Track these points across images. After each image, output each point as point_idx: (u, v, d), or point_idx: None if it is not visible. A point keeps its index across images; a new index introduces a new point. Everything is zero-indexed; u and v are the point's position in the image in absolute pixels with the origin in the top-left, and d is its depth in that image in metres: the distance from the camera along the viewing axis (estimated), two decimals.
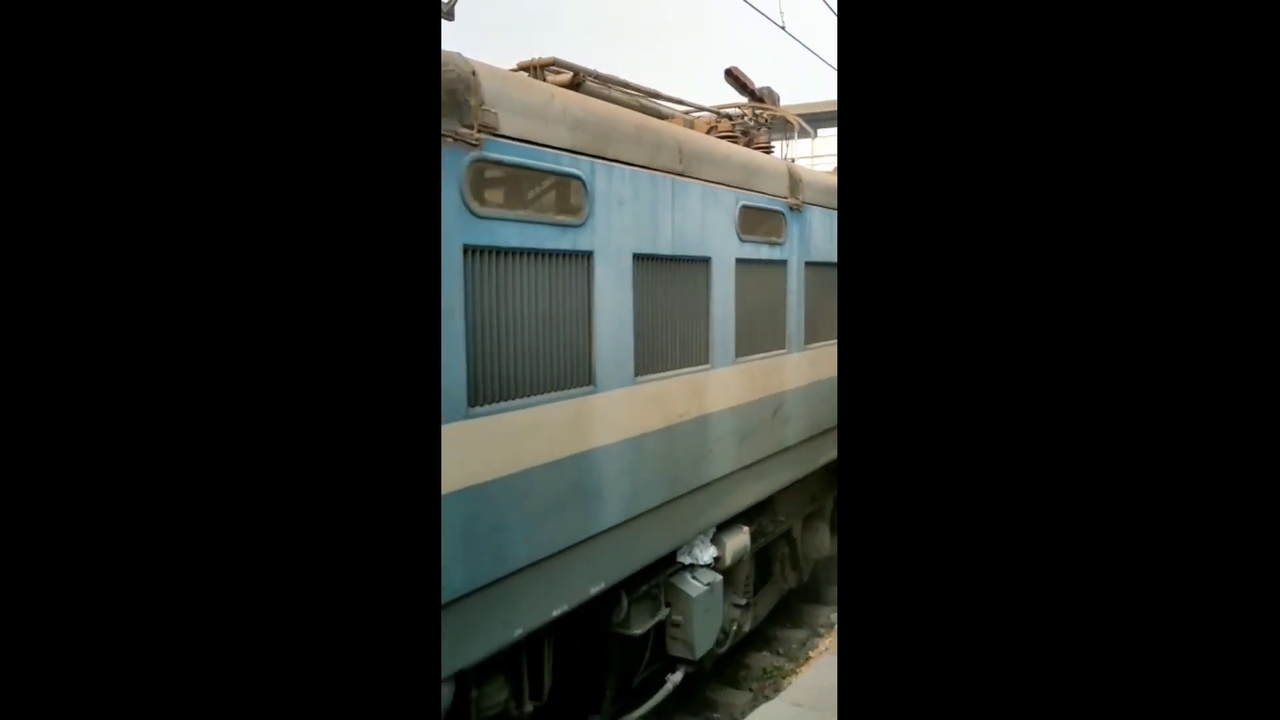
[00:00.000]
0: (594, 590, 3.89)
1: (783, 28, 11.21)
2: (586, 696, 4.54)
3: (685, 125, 5.63)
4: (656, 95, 5.26)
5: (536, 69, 4.19)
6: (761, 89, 7.85)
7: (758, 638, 6.74)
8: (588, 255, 3.75)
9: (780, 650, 6.71)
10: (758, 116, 6.35)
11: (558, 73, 4.30)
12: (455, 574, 3.11)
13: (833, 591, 7.72)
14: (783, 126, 7.01)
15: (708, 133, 5.71)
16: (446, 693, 3.19)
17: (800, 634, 6.93)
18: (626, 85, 4.84)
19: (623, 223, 3.95)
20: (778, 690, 5.41)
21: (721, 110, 6.21)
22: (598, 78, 4.39)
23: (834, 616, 7.12)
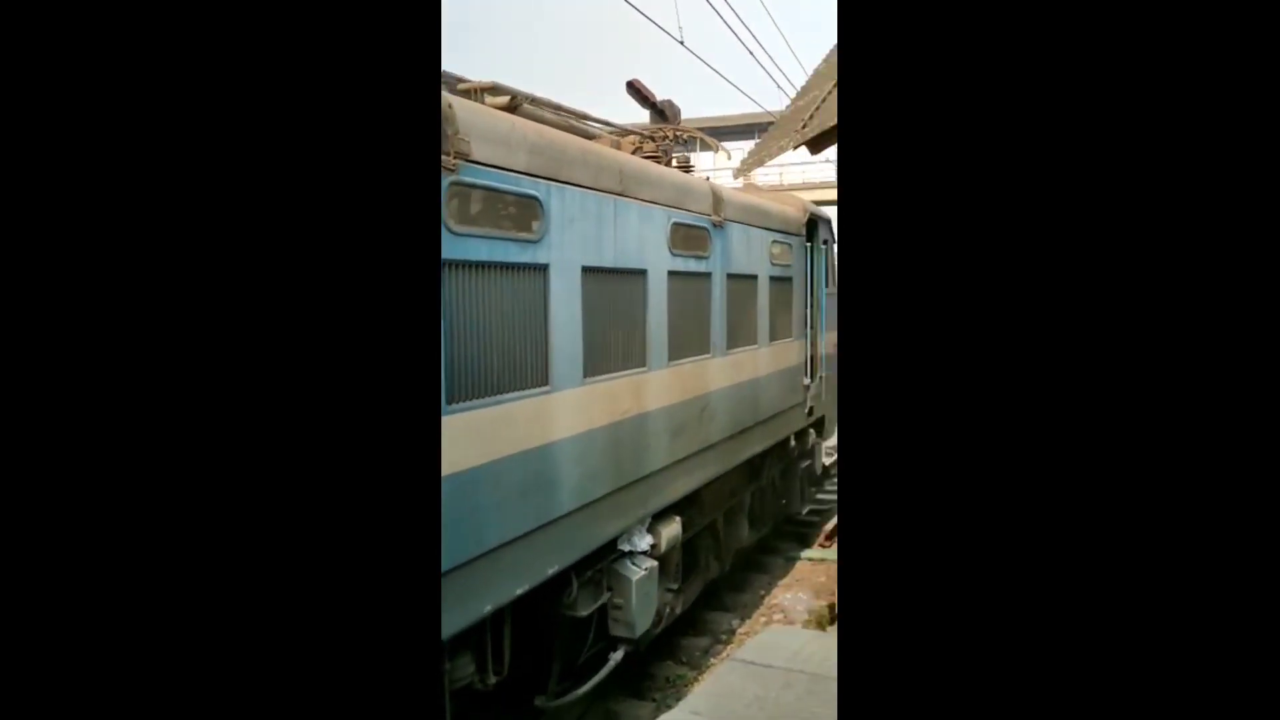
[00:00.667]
0: (551, 571, 4.28)
1: (681, 42, 11.37)
2: (536, 674, 4.84)
3: (613, 145, 5.95)
4: (586, 117, 5.69)
5: (476, 92, 4.48)
6: (663, 102, 7.95)
7: (662, 645, 6.75)
8: (544, 268, 4.18)
9: (684, 659, 6.74)
10: (677, 136, 6.81)
11: (496, 95, 4.60)
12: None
13: (751, 581, 7.90)
14: (690, 142, 7.22)
15: (633, 153, 6.11)
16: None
17: (703, 641, 6.99)
18: (558, 108, 5.24)
19: (573, 239, 4.41)
20: (679, 699, 5.43)
21: (644, 131, 6.64)
22: (533, 101, 4.75)
23: (734, 622, 7.22)
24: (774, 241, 7.51)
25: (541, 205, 4.13)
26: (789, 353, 7.98)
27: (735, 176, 6.63)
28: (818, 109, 4.82)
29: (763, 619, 7.21)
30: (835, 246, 9.54)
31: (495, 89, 4.49)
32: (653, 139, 6.45)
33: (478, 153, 3.67)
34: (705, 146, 7.23)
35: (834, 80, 5.35)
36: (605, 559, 5.02)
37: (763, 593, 7.84)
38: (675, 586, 6.09)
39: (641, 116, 8.20)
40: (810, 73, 6.29)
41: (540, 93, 5.22)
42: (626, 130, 6.32)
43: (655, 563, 5.38)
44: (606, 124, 6.06)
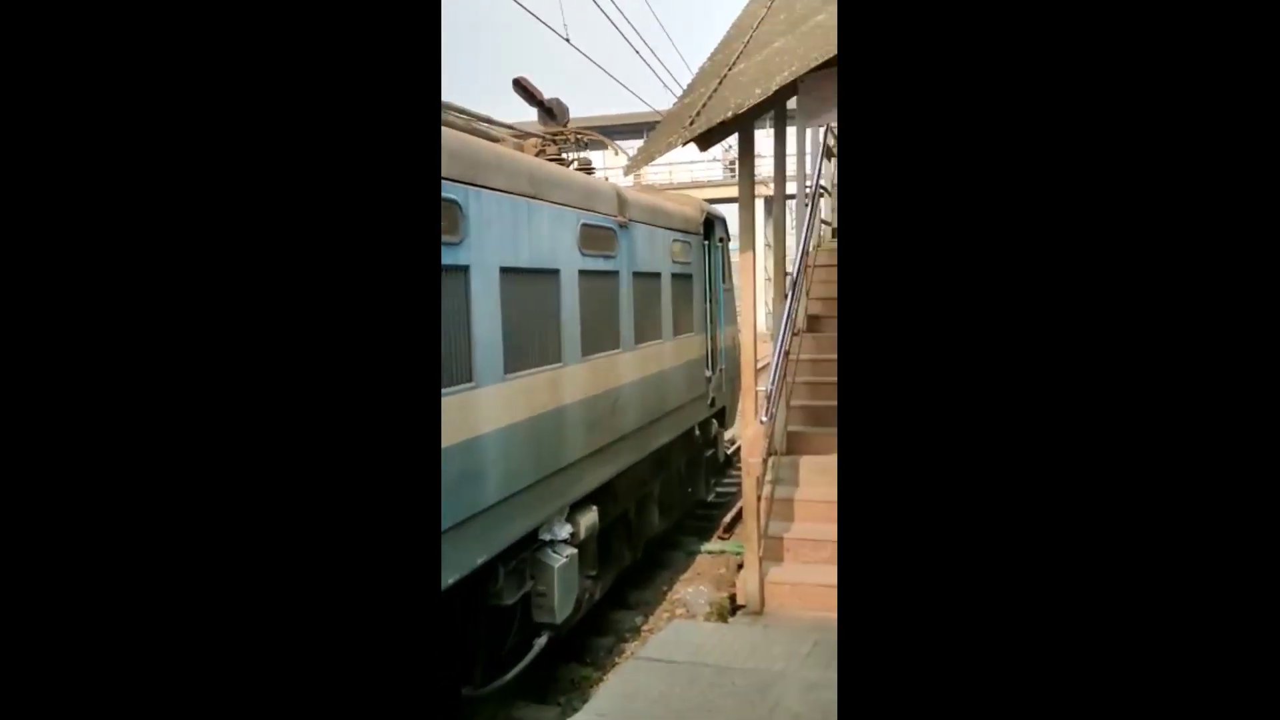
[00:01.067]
0: (479, 561, 4.48)
1: (567, 40, 11.30)
2: (463, 665, 4.98)
3: (516, 148, 6.08)
4: (490, 121, 5.96)
5: None
6: (550, 100, 7.89)
7: (565, 647, 6.69)
8: (465, 269, 4.41)
9: (588, 660, 6.69)
10: (577, 139, 7.07)
11: None
12: None
13: (653, 578, 7.92)
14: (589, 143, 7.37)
15: (537, 155, 6.27)
16: None
17: (607, 641, 6.96)
18: (461, 110, 5.42)
19: (491, 241, 4.64)
20: (585, 700, 5.38)
21: (545, 134, 6.86)
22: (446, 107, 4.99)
23: (638, 619, 7.21)
24: (674, 240, 7.81)
25: (461, 209, 4.34)
26: (691, 347, 8.28)
27: (626, 174, 6.74)
28: (705, 105, 4.85)
29: (665, 614, 7.23)
30: (730, 244, 9.82)
31: None
32: (554, 142, 6.59)
33: None
34: (598, 146, 7.28)
35: (720, 78, 5.41)
36: (528, 549, 5.22)
37: (665, 588, 7.87)
38: (594, 573, 6.36)
39: (529, 115, 8.11)
40: (696, 70, 6.34)
41: None
42: (528, 133, 6.48)
43: (575, 550, 5.62)
44: (510, 127, 6.21)
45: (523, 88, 7.64)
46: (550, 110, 7.95)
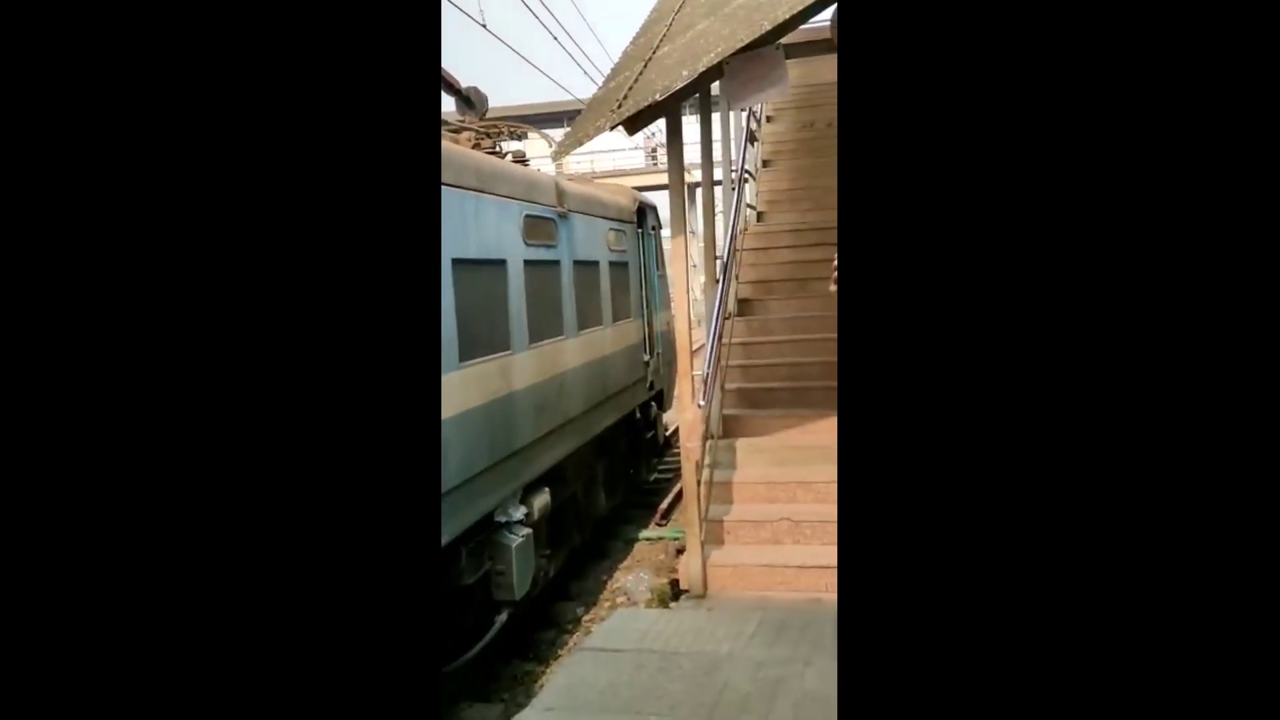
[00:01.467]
0: (448, 538, 4.72)
1: (484, 25, 11.08)
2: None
3: (452, 140, 6.14)
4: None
5: None
6: (468, 89, 7.75)
7: (509, 641, 6.61)
8: None
9: (530, 654, 6.62)
10: (511, 131, 7.22)
11: None
12: None
13: (591, 567, 7.92)
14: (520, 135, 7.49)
15: (474, 147, 6.36)
16: None
17: (549, 634, 6.90)
18: None
19: (443, 233, 4.74)
20: (530, 696, 5.32)
21: (479, 127, 6.94)
22: None
23: (579, 610, 7.17)
24: (610, 229, 8.03)
25: None
26: (630, 332, 8.53)
27: (554, 160, 6.71)
28: (631, 88, 4.79)
29: (607, 603, 7.20)
30: (662, 232, 10.07)
31: None
32: (488, 135, 6.70)
33: None
34: (520, 136, 7.34)
35: (644, 61, 5.36)
36: (485, 530, 5.45)
37: (604, 578, 7.84)
38: (547, 552, 6.65)
39: (446, 104, 7.94)
40: (620, 55, 6.28)
41: None
42: (463, 126, 6.61)
43: (530, 531, 5.86)
44: (444, 121, 6.40)
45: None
46: (468, 99, 7.82)
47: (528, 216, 6.10)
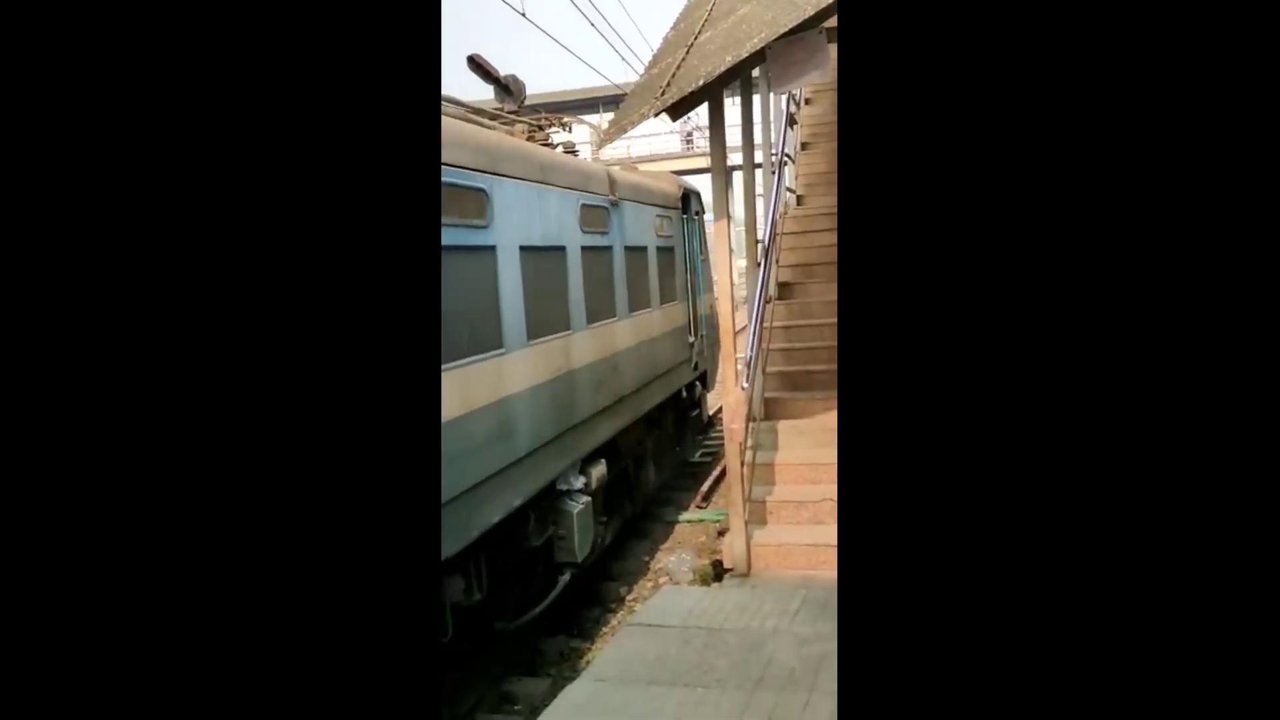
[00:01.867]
0: (516, 503, 5.14)
1: (523, 14, 11.17)
2: (500, 600, 5.71)
3: (507, 134, 6.44)
4: (481, 111, 6.54)
5: None
6: (506, 77, 7.85)
7: (551, 620, 6.76)
8: (493, 249, 5.03)
9: (575, 631, 6.76)
10: (562, 124, 7.55)
11: None
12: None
13: (633, 548, 8.06)
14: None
15: (528, 139, 6.64)
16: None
17: (594, 612, 7.03)
18: (458, 102, 5.99)
19: (512, 223, 5.23)
20: (576, 671, 5.45)
21: (532, 121, 7.23)
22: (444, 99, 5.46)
23: (623, 590, 7.29)
24: (657, 215, 8.41)
25: (488, 196, 4.98)
26: (676, 314, 8.90)
27: (599, 147, 6.87)
28: (674, 75, 4.85)
29: (649, 584, 7.32)
30: (705, 217, 10.42)
31: None
32: (540, 127, 7.05)
33: (443, 156, 4.46)
34: (565, 127, 7.64)
35: (686, 47, 5.41)
36: (549, 498, 5.91)
37: (647, 558, 7.96)
38: (604, 520, 7.14)
39: (485, 92, 8.06)
40: (661, 41, 6.33)
41: None
42: (515, 119, 6.96)
43: (589, 499, 6.31)
44: (499, 116, 6.78)
45: (478, 65, 7.61)
46: (507, 87, 7.94)
47: (584, 206, 6.49)
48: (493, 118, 6.47)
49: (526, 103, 8.20)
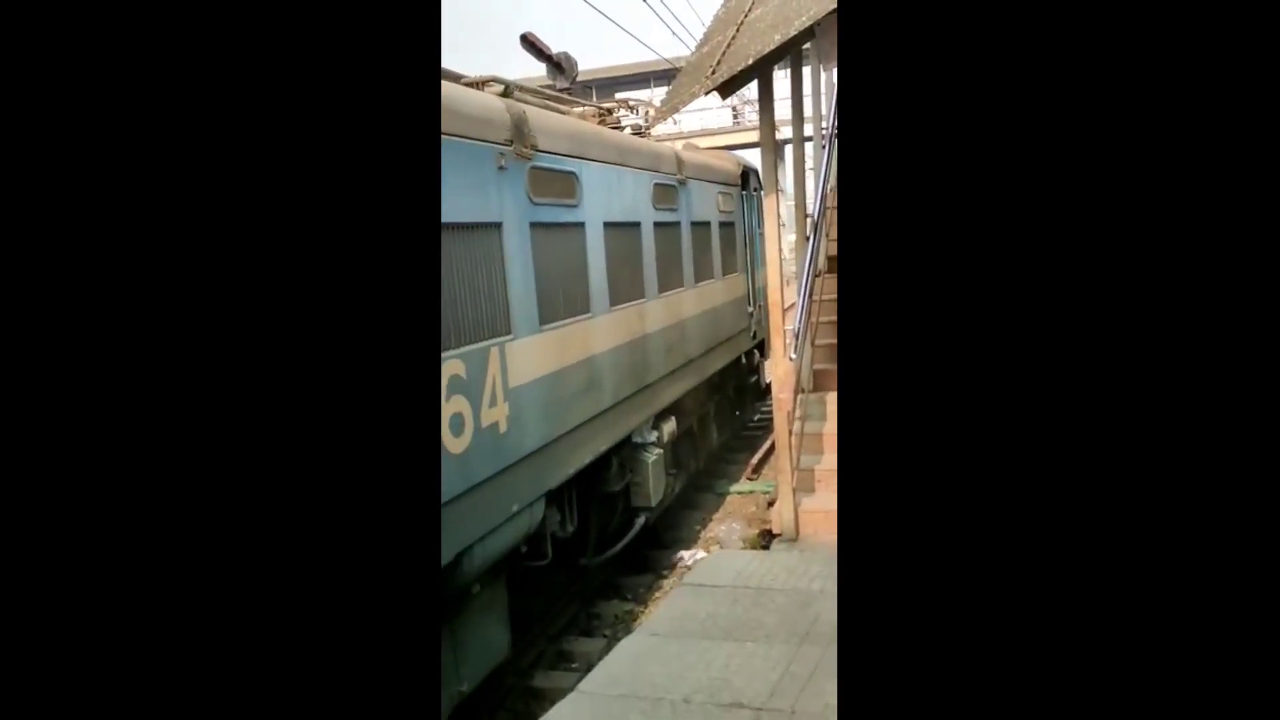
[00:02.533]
0: (603, 448, 5.92)
1: None
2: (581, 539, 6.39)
3: (580, 117, 7.00)
4: (560, 99, 7.09)
5: (479, 84, 5.55)
6: (559, 55, 8.01)
7: (606, 587, 7.02)
8: (581, 225, 5.69)
9: (629, 596, 7.02)
10: (630, 108, 7.99)
11: (493, 85, 5.64)
12: (541, 428, 5.01)
13: (686, 518, 8.35)
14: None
15: (600, 123, 7.28)
16: (539, 509, 5.08)
17: (645, 579, 7.27)
18: (538, 91, 6.45)
19: (596, 201, 5.90)
20: (629, 631, 5.69)
21: (601, 106, 7.85)
22: (520, 88, 5.89)
23: (675, 557, 7.52)
24: (719, 192, 9.01)
25: (577, 178, 5.64)
26: (736, 285, 9.59)
27: (651, 125, 7.03)
28: (725, 53, 4.97)
29: (701, 551, 7.54)
30: (762, 193, 10.74)
31: (493, 80, 5.59)
32: (610, 111, 7.67)
33: (543, 144, 5.15)
34: (630, 109, 8.04)
35: (736, 25, 5.51)
36: (627, 449, 6.63)
37: (698, 528, 8.17)
38: (674, 472, 7.82)
39: (537, 69, 8.23)
40: (711, 19, 6.42)
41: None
42: (581, 103, 7.60)
43: (661, 451, 7.02)
44: (575, 101, 7.39)
45: (530, 43, 7.79)
46: (559, 65, 8.11)
47: (656, 185, 7.11)
48: (564, 102, 6.98)
49: (578, 79, 8.38)
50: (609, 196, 6.16)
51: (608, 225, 6.03)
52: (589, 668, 5.55)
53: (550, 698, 5.29)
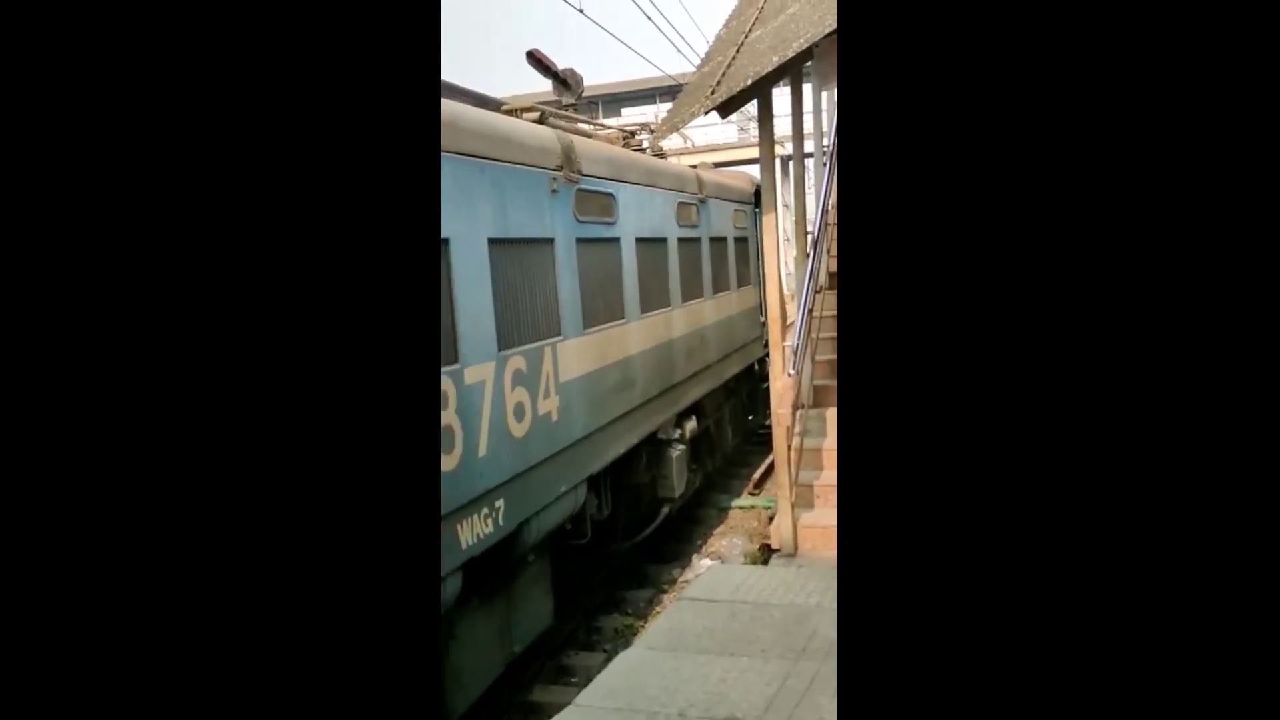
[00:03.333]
0: (634, 441, 6.60)
1: (581, 10, 11.40)
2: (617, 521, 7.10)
3: (608, 140, 7.54)
4: (590, 121, 7.88)
5: (518, 111, 6.08)
6: (564, 71, 8.10)
7: (606, 601, 7.05)
8: (617, 240, 6.44)
9: (629, 610, 7.05)
10: (651, 130, 8.43)
11: (531, 112, 6.21)
12: (584, 420, 5.72)
13: (688, 533, 8.40)
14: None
15: (624, 145, 7.82)
16: (582, 491, 5.78)
17: (646, 593, 7.30)
18: (570, 116, 7.11)
19: (630, 219, 6.64)
20: (628, 646, 5.71)
21: (625, 130, 8.34)
22: (554, 114, 6.51)
23: (675, 572, 7.54)
24: (734, 209, 9.86)
25: (615, 199, 6.40)
26: (749, 297, 10.47)
27: (652, 142, 7.17)
28: (724, 74, 5.04)
29: (707, 562, 7.57)
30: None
31: (530, 108, 6.19)
32: (633, 134, 8.23)
33: (587, 169, 5.88)
34: (650, 131, 8.23)
35: (736, 46, 5.58)
36: (653, 444, 7.27)
37: (700, 542, 8.20)
38: (694, 468, 8.47)
39: (543, 86, 8.32)
40: (712, 39, 6.51)
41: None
42: (604, 125, 8.43)
43: (684, 447, 7.72)
44: (603, 125, 8.33)
45: (537, 60, 7.89)
46: (565, 81, 8.20)
47: (679, 203, 7.86)
48: (577, 120, 7.46)
49: (584, 95, 8.48)
50: (640, 215, 6.87)
51: (639, 240, 6.74)
52: (588, 682, 5.58)
53: (548, 712, 5.31)
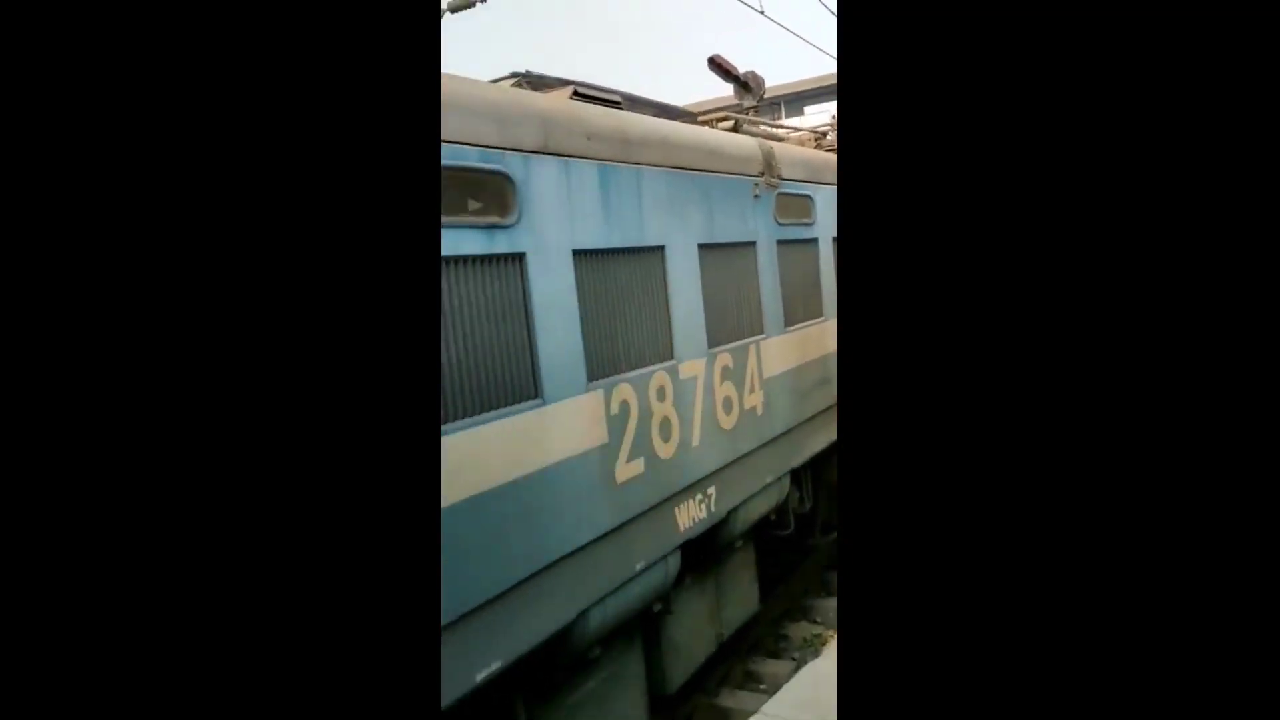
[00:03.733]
0: (832, 439, 6.78)
1: (761, 12, 11.35)
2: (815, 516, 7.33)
3: (800, 143, 7.62)
4: (781, 125, 7.83)
5: (712, 122, 6.29)
6: (746, 74, 8.08)
7: (794, 609, 6.94)
8: (815, 240, 6.62)
9: (818, 619, 6.90)
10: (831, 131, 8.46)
11: (725, 121, 6.44)
12: (786, 415, 6.01)
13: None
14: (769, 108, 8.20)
15: (816, 145, 7.83)
16: (786, 483, 5.98)
17: (833, 602, 7.10)
18: (754, 120, 7.17)
19: (827, 220, 6.81)
20: (817, 655, 5.58)
21: (815, 131, 8.31)
22: (750, 121, 6.70)
23: None
24: None
25: (812, 201, 6.62)
26: None
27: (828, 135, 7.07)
28: None
29: None
30: None
31: (724, 117, 6.47)
32: (825, 135, 8.22)
33: (785, 174, 6.15)
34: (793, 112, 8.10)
35: None
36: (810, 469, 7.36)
37: None
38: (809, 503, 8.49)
39: (725, 91, 8.34)
40: None
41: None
42: (798, 129, 8.26)
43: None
44: (794, 128, 8.16)
45: (718, 65, 7.91)
46: (746, 84, 8.18)
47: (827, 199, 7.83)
48: (770, 125, 7.56)
49: (765, 95, 8.43)
50: (828, 215, 6.93)
51: (834, 240, 6.91)
52: (776, 689, 5.50)
53: (735, 718, 5.28)
